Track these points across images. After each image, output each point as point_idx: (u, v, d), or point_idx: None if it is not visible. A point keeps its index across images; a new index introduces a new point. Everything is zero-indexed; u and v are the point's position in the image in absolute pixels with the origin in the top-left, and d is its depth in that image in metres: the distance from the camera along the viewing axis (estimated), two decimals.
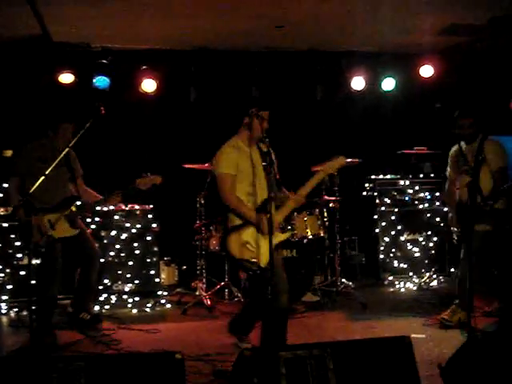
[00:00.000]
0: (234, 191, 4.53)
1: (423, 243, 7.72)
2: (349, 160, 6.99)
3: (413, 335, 3.63)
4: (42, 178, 4.49)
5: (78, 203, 5.51)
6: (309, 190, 4.68)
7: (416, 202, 7.76)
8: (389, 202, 7.69)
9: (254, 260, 4.44)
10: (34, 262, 5.44)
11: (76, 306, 5.78)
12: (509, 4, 6.14)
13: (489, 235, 5.44)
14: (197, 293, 6.82)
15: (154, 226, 6.79)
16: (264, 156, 4.62)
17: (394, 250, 7.66)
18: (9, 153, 6.57)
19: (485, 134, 5.54)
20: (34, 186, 4.47)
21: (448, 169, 5.93)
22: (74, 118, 5.52)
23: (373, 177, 7.78)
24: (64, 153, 4.84)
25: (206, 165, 6.44)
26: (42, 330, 5.23)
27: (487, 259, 5.60)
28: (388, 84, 8.00)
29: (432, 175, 7.85)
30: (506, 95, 8.47)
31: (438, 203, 7.77)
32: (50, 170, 4.57)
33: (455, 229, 5.75)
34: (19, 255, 6.43)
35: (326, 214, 7.07)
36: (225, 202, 4.55)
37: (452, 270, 7.69)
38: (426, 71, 7.87)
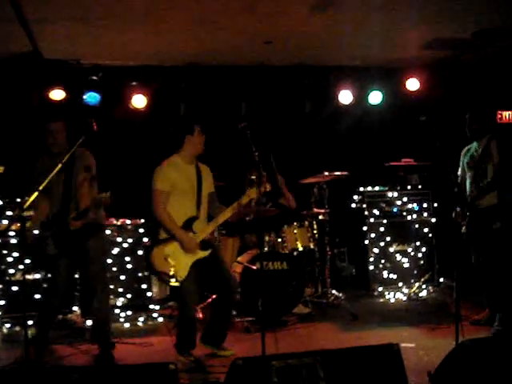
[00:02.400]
0: (165, 207, 4.91)
1: (412, 254, 7.78)
2: (337, 173, 7.12)
3: (403, 344, 3.69)
4: (35, 193, 4.32)
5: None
6: (226, 217, 5.09)
7: (404, 213, 7.83)
8: (377, 213, 7.76)
9: (171, 273, 4.80)
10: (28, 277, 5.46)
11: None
12: (492, 17, 6.27)
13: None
14: None
15: (146, 240, 6.82)
16: (200, 175, 5.11)
17: (383, 260, 7.71)
18: (0, 169, 6.61)
19: (493, 133, 5.76)
20: (29, 201, 4.30)
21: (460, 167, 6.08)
22: (59, 116, 5.36)
23: (361, 189, 7.85)
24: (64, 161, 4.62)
25: None
26: (36, 342, 5.16)
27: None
28: (375, 97, 8.11)
29: (420, 187, 7.93)
30: (492, 108, 8.61)
31: (425, 214, 7.85)
32: (43, 184, 4.42)
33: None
34: (12, 271, 6.44)
35: (315, 226, 7.16)
36: (155, 216, 4.95)
37: (441, 279, 7.78)
38: (413, 84, 7.99)
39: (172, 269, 4.80)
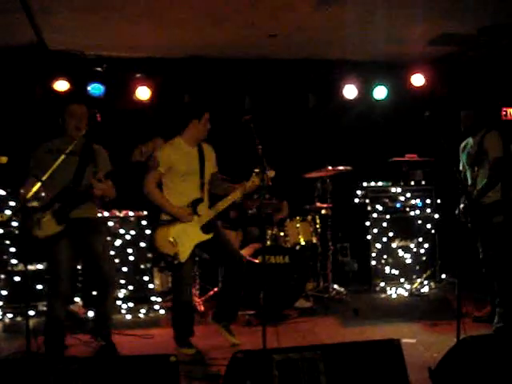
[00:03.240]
0: (155, 185, 5.02)
1: (414, 250, 7.77)
2: (341, 168, 7.11)
3: (403, 340, 3.69)
4: (38, 184, 4.21)
5: None
6: (234, 199, 5.16)
7: (407, 209, 7.82)
8: (380, 208, 7.74)
9: (173, 255, 4.92)
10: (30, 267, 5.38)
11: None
12: (497, 14, 6.25)
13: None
14: None
15: (148, 232, 6.83)
16: (202, 157, 5.16)
17: (385, 256, 7.70)
18: (4, 160, 6.60)
19: (488, 128, 5.70)
20: (32, 191, 4.23)
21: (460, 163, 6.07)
22: (83, 99, 5.28)
23: (365, 184, 7.84)
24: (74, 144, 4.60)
25: None
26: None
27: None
28: (380, 93, 8.10)
29: (423, 182, 7.91)
30: (496, 103, 8.59)
31: (429, 210, 7.84)
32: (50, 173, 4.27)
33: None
34: (14, 261, 6.46)
35: (318, 221, 7.16)
36: (146, 194, 5.04)
37: (443, 276, 7.77)
38: (418, 80, 7.97)
39: (175, 250, 4.91)
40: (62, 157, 4.44)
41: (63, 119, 4.94)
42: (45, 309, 6.38)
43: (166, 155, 5.01)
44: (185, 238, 5.00)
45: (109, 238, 6.63)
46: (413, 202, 7.84)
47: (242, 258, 5.36)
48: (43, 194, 4.56)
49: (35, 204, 4.67)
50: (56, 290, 4.82)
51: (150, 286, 6.81)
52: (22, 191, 4.55)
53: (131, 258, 6.71)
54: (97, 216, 5.24)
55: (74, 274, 5.33)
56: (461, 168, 6.03)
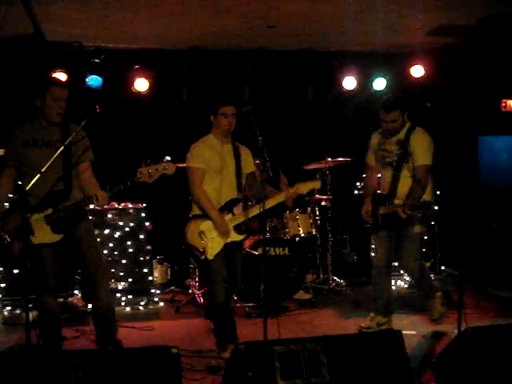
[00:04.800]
0: (201, 184, 4.85)
1: None
2: (340, 159, 7.09)
3: (404, 331, 3.67)
4: (38, 176, 3.93)
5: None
6: (275, 203, 4.86)
7: None
8: None
9: (202, 250, 4.76)
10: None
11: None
12: (498, 4, 6.21)
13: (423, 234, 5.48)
14: (189, 291, 6.87)
15: (147, 224, 6.80)
16: (237, 154, 4.98)
17: None
18: (0, 151, 6.56)
19: (413, 124, 5.31)
20: (30, 184, 3.95)
21: (368, 155, 5.72)
22: (64, 83, 4.82)
23: (364, 175, 7.80)
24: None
25: None
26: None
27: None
28: (379, 84, 8.05)
29: None
30: (496, 95, 8.57)
31: None
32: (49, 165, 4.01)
33: (367, 221, 5.48)
34: None
35: (317, 213, 7.14)
36: (192, 194, 4.91)
37: (442, 267, 7.77)
38: (417, 71, 7.93)
39: (204, 245, 4.76)
40: (59, 151, 4.13)
41: (43, 101, 4.42)
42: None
43: (201, 151, 4.89)
44: (215, 235, 4.80)
45: (108, 231, 6.64)
46: None
47: (236, 287, 5.19)
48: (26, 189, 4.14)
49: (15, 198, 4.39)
50: (44, 287, 4.48)
51: (150, 278, 6.79)
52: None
53: (130, 250, 6.68)
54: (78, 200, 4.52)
55: (62, 270, 4.69)
56: (370, 163, 5.68)
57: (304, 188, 4.90)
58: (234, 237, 4.89)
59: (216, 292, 4.81)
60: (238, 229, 4.92)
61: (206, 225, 4.81)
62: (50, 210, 4.36)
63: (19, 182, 4.57)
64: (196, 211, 4.91)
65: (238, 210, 4.93)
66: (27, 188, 3.97)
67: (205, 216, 4.83)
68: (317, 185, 4.94)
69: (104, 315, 4.67)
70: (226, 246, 4.85)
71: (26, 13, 6.03)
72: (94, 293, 4.63)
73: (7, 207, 4.48)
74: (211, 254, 4.77)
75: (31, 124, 4.53)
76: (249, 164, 5.10)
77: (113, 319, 4.74)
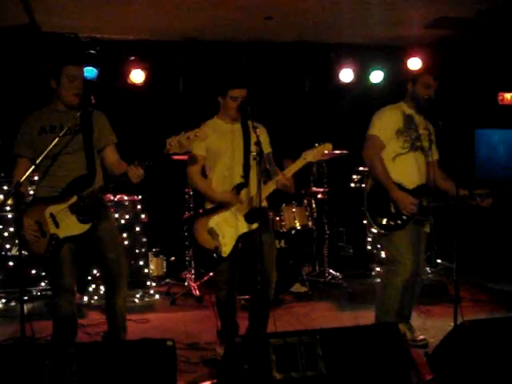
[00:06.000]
0: (199, 172, 4.60)
1: None
2: (337, 152, 7.07)
3: (400, 324, 3.68)
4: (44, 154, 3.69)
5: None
6: (293, 171, 4.47)
7: None
8: None
9: (215, 247, 4.40)
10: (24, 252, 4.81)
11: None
12: None
13: None
14: (185, 283, 6.86)
15: (143, 216, 6.78)
16: (247, 137, 4.62)
17: None
18: None
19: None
20: (25, 175, 3.72)
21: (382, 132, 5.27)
22: (80, 60, 4.45)
23: (361, 168, 7.80)
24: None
25: None
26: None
27: None
28: (376, 76, 8.04)
29: None
30: (494, 88, 8.55)
31: None
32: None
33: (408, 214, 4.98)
34: (8, 246, 6.40)
35: (314, 206, 7.12)
36: (188, 181, 4.68)
37: (438, 261, 7.77)
38: (414, 64, 7.91)
39: (216, 243, 4.39)
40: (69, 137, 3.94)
41: (58, 82, 4.11)
42: (39, 294, 6.41)
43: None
44: (225, 229, 4.44)
45: None
46: None
47: (272, 282, 4.64)
48: (36, 179, 4.18)
49: (32, 191, 4.22)
50: (60, 286, 4.13)
51: (145, 270, 6.78)
52: (14, 175, 4.14)
53: (126, 242, 6.65)
54: (103, 199, 4.40)
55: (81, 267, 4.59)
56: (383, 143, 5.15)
57: (312, 156, 4.50)
58: (246, 227, 4.45)
59: (220, 291, 4.66)
60: (249, 217, 4.46)
61: (213, 221, 4.46)
62: (74, 198, 4.03)
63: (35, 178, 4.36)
64: (207, 205, 4.59)
65: (244, 195, 4.48)
66: (22, 180, 3.70)
67: (209, 211, 4.53)
68: (329, 147, 4.53)
69: (117, 322, 4.45)
70: (241, 238, 4.49)
71: (21, 3, 5.99)
72: (112, 297, 4.35)
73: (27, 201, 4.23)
74: (225, 251, 4.42)
75: (47, 110, 4.23)
76: (264, 145, 4.52)
77: (123, 323, 4.52)
